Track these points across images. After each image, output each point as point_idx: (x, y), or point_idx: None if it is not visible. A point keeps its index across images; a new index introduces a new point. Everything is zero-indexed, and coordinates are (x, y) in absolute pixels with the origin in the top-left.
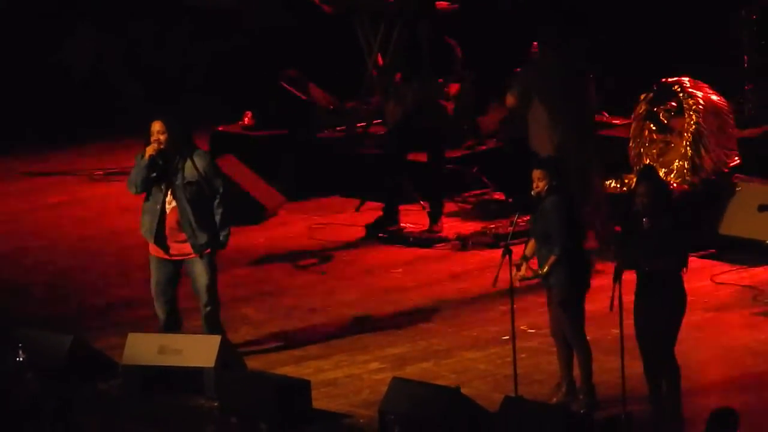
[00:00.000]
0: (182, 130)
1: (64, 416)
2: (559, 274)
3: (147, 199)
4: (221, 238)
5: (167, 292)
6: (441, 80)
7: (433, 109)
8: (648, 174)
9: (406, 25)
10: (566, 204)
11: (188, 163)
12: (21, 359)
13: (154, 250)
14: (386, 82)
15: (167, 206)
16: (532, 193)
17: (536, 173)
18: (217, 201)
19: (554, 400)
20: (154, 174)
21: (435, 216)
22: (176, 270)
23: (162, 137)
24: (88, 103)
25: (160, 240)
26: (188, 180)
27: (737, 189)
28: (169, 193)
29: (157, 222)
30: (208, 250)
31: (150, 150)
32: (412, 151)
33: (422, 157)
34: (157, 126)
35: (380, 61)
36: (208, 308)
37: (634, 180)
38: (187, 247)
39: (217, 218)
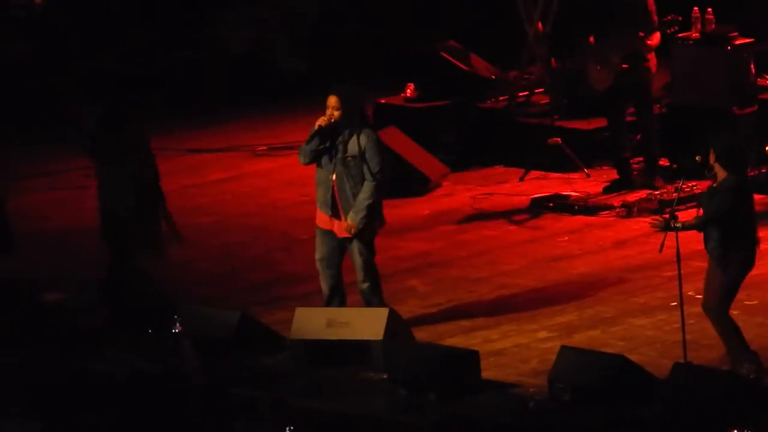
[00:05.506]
0: (357, 106)
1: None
2: (717, 242)
3: (318, 170)
4: (358, 214)
5: (331, 266)
6: (641, 33)
7: (639, 64)
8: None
9: None
10: (735, 189)
11: (353, 138)
12: (177, 331)
13: (322, 222)
14: (547, 49)
15: (334, 178)
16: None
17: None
18: (369, 178)
19: (725, 367)
20: (322, 146)
21: (651, 173)
22: (340, 243)
23: (336, 113)
24: (247, 79)
25: (335, 211)
26: (349, 154)
27: None
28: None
29: (330, 194)
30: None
31: (320, 121)
32: (627, 111)
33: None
34: (332, 101)
35: (540, 28)
36: (365, 285)
37: None
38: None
39: (362, 193)
